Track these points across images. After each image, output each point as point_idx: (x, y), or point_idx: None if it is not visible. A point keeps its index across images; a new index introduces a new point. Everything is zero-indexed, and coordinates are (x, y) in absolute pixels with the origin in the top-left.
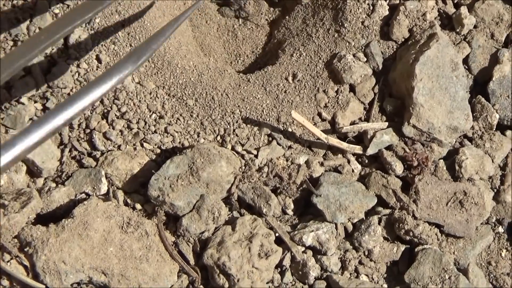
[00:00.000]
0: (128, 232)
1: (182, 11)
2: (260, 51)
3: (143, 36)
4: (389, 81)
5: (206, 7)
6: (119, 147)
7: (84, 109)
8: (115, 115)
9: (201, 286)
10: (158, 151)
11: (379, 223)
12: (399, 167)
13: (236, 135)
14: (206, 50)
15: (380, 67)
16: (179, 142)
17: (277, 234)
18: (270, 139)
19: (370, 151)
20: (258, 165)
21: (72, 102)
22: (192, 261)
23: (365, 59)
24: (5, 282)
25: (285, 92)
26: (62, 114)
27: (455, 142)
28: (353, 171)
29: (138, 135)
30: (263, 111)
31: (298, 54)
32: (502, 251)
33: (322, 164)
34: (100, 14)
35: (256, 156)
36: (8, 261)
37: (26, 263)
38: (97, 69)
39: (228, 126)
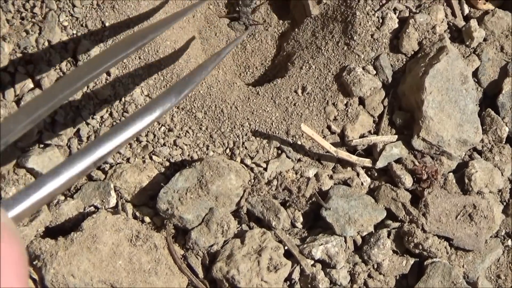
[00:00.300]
0: (137, 245)
1: (190, 23)
2: (269, 63)
3: (152, 49)
4: (399, 94)
5: (216, 20)
6: (128, 160)
7: (127, 140)
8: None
9: None
10: (167, 164)
11: (388, 236)
12: (408, 180)
13: (245, 148)
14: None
15: (390, 80)
16: (188, 155)
17: (286, 248)
18: (280, 152)
19: (380, 164)
20: (267, 178)
21: (115, 133)
22: (201, 275)
23: (375, 72)
24: None
25: (294, 105)
26: (104, 145)
27: (465, 155)
28: (362, 184)
29: (147, 148)
30: (272, 124)
31: (307, 67)
32: (511, 265)
33: (331, 177)
34: (109, 27)
35: (265, 169)
36: None
37: (35, 276)
38: (106, 82)
39: (237, 139)
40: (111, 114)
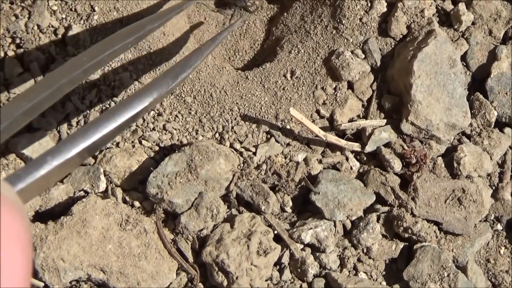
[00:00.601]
0: (127, 229)
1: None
2: (258, 47)
3: None
4: (387, 78)
5: (204, 4)
6: (117, 145)
7: (125, 123)
8: None
9: (200, 283)
10: (157, 148)
11: (377, 221)
12: (397, 165)
13: (235, 132)
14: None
15: (378, 64)
16: (178, 140)
17: (275, 232)
18: (269, 136)
19: (369, 148)
20: (257, 163)
21: (112, 115)
22: (190, 259)
23: (363, 56)
24: None
25: (283, 89)
26: (99, 130)
27: (454, 139)
28: (351, 168)
29: (136, 133)
30: (261, 108)
31: (296, 51)
32: (500, 249)
33: (320, 162)
34: (98, 11)
35: (254, 153)
36: None
37: None
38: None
39: (227, 124)
40: (100, 99)
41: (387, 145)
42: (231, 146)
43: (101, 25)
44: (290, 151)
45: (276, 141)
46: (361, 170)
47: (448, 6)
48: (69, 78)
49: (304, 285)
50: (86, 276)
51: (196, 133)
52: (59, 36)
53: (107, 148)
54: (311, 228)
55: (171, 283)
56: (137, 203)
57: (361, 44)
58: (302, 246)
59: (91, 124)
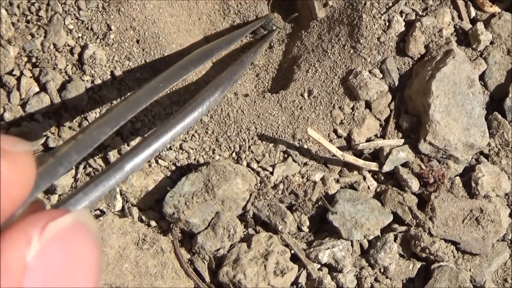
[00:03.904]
0: (144, 248)
1: (196, 26)
2: (275, 65)
3: (157, 52)
4: (405, 98)
5: (220, 23)
6: None
7: (180, 133)
8: (130, 131)
9: None
10: (173, 168)
11: (395, 240)
12: (415, 184)
13: (252, 152)
14: (220, 66)
15: (396, 83)
16: (194, 159)
17: (292, 252)
18: (286, 156)
19: (386, 168)
20: (274, 182)
21: (169, 126)
22: (207, 279)
23: (381, 76)
24: None
25: (300, 108)
26: (161, 138)
27: (472, 159)
28: (369, 188)
29: None
30: (278, 127)
31: (313, 70)
32: None
33: (337, 181)
34: (114, 30)
35: (271, 173)
36: None
37: None
38: (111, 85)
39: (244, 143)
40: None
41: (405, 164)
42: (248, 165)
43: (118, 44)
44: (307, 170)
45: (293, 160)
46: (378, 190)
47: (467, 25)
48: (148, 104)
49: None
50: None
51: (213, 153)
52: (75, 55)
53: None
54: (328, 248)
55: None
56: (153, 223)
57: (379, 64)
58: (319, 266)
59: (149, 137)
